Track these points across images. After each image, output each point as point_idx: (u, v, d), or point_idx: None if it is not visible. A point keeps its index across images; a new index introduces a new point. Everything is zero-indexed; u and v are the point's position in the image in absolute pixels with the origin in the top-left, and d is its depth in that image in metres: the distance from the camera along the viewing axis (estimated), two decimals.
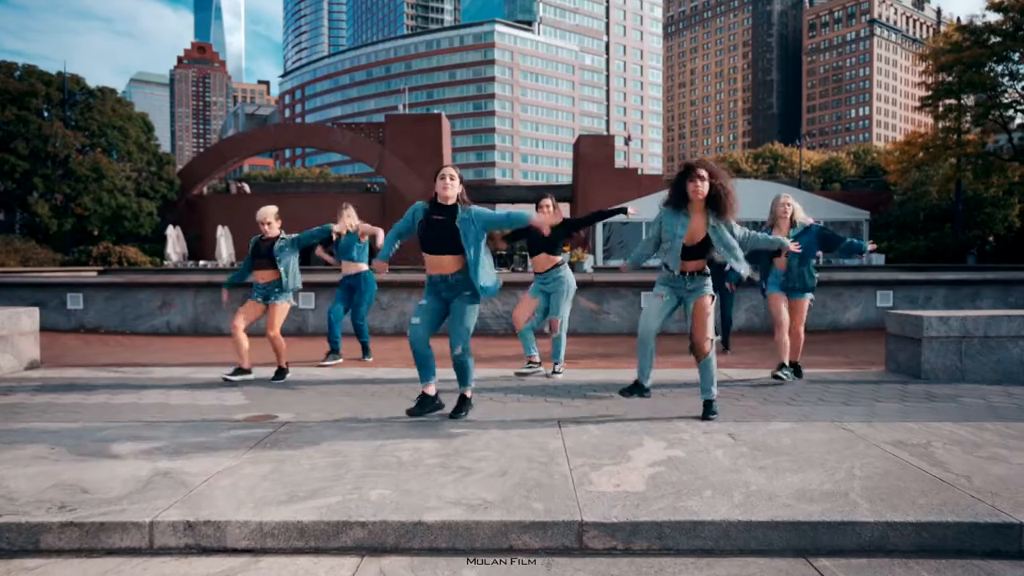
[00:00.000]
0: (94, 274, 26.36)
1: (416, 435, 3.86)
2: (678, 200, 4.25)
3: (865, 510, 2.69)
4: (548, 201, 5.87)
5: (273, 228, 5.85)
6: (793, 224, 5.68)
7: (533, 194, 50.72)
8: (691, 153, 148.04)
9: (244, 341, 5.79)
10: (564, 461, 3.34)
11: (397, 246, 4.54)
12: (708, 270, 4.37)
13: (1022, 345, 5.71)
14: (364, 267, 7.11)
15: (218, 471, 3.19)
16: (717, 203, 4.19)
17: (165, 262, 34.06)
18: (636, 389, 4.45)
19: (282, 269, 5.78)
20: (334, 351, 7.13)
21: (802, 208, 5.83)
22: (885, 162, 41.40)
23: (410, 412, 4.30)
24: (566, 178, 73.03)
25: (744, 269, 4.35)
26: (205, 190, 44.80)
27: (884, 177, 41.84)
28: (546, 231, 4.36)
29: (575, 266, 24.70)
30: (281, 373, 5.78)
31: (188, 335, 9.90)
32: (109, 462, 3.32)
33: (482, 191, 55.47)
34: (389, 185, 41.36)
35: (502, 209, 4.44)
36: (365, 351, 7.34)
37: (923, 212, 37.30)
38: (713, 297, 4.35)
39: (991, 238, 36.65)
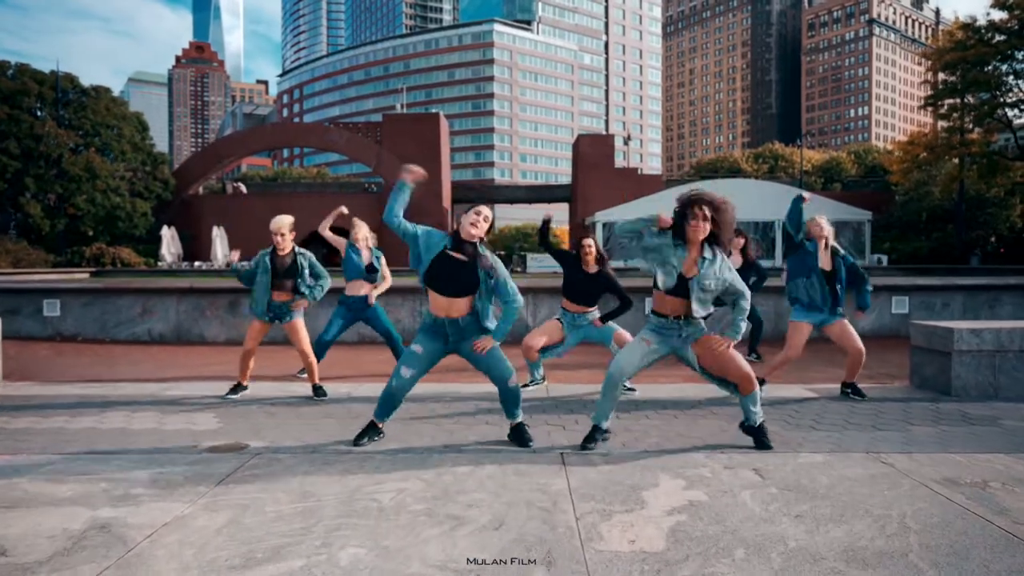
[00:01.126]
0: (86, 276, 25.88)
1: (400, 471, 3.41)
2: (676, 231, 3.72)
3: None
4: (590, 241, 5.43)
5: (287, 240, 5.38)
6: (834, 250, 5.30)
7: (532, 195, 50.29)
8: (690, 153, 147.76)
9: (251, 362, 5.41)
10: (569, 507, 2.89)
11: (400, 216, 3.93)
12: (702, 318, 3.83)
13: None
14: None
15: (166, 522, 2.74)
16: (715, 239, 3.72)
17: (159, 263, 33.62)
18: (595, 435, 3.86)
19: (305, 291, 5.35)
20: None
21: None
22: (888, 162, 41.04)
23: (357, 442, 3.90)
24: (565, 178, 72.57)
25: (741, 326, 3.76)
26: (201, 190, 44.31)
27: (886, 177, 41.45)
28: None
29: None
30: (319, 391, 5.35)
31: (170, 343, 9.45)
32: (41, 510, 2.87)
33: (481, 191, 55.01)
34: (387, 185, 40.89)
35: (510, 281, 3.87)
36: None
37: (926, 212, 36.91)
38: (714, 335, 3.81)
39: (993, 239, 36.28)
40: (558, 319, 5.48)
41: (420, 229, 3.86)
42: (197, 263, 34.39)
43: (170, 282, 10.62)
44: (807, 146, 71.82)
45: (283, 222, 5.33)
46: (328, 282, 5.48)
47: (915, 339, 5.87)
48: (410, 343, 4.01)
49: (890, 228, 37.23)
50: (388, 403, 3.95)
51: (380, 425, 4.01)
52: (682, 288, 3.68)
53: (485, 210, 3.86)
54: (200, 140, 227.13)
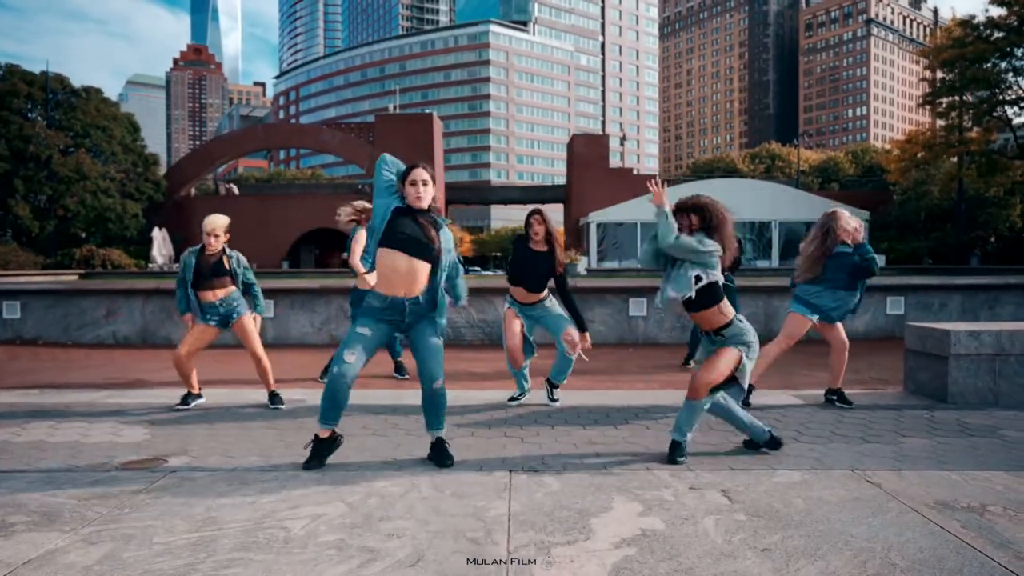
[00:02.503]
0: (75, 277, 25.47)
1: (324, 493, 3.02)
2: None
3: None
4: (539, 218, 4.81)
5: (219, 242, 4.95)
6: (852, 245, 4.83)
7: (526, 195, 49.98)
8: (687, 154, 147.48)
9: (190, 368, 4.95)
10: (504, 538, 2.51)
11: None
12: (734, 325, 3.50)
13: None
14: None
15: (31, 558, 2.36)
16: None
17: (150, 265, 33.23)
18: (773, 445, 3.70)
19: (245, 284, 4.95)
20: (399, 368, 6.64)
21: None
22: (886, 161, 40.70)
23: (308, 466, 3.39)
24: (562, 179, 72.20)
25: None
26: (193, 191, 43.93)
27: (884, 177, 41.12)
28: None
29: (568, 268, 24.01)
30: (275, 399, 4.90)
31: (136, 345, 9.07)
32: None
33: (477, 192, 54.68)
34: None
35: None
36: (399, 367, 6.65)
37: (924, 212, 36.57)
38: (743, 357, 3.45)
39: (992, 239, 35.92)
40: (509, 306, 4.94)
41: (379, 212, 3.43)
42: None
43: (132, 284, 10.24)
44: (805, 146, 71.58)
45: (217, 222, 4.93)
46: (257, 289, 5.08)
47: (909, 342, 5.50)
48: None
49: (888, 228, 36.87)
50: (332, 400, 3.34)
51: (328, 434, 3.42)
52: (696, 302, 3.46)
53: (421, 173, 3.38)
54: (197, 143, 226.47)
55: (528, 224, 4.82)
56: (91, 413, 4.70)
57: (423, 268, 3.37)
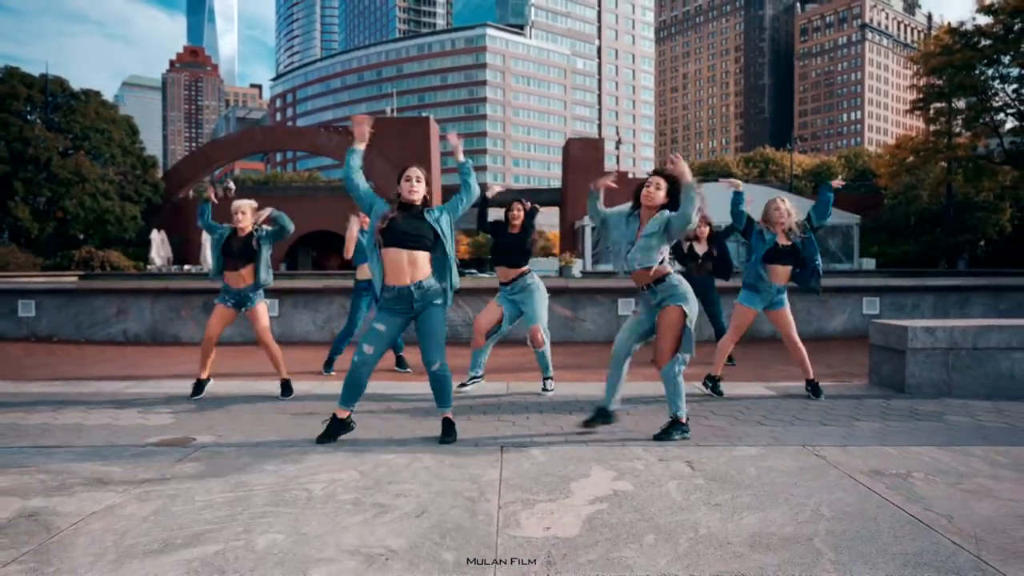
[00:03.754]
0: (74, 279, 25.82)
1: (338, 463, 3.45)
2: (633, 204, 4.04)
3: (829, 562, 2.30)
4: (519, 206, 5.41)
5: (246, 219, 5.34)
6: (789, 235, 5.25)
7: (520, 197, 50.29)
8: (683, 157, 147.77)
9: (212, 351, 5.39)
10: (495, 496, 2.94)
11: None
12: (670, 278, 3.96)
13: (1013, 357, 5.35)
14: None
15: (96, 510, 2.78)
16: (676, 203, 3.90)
17: (149, 266, 33.53)
18: (596, 417, 4.08)
19: (262, 264, 5.27)
20: (400, 362, 7.04)
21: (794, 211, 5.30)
22: (875, 165, 41.27)
23: (321, 440, 3.86)
24: (557, 182, 72.70)
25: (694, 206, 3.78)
26: (191, 193, 44.23)
27: (874, 181, 41.69)
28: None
29: (563, 270, 24.30)
30: (287, 387, 5.30)
31: (146, 343, 9.46)
32: None
33: None
34: (376, 189, 40.81)
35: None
36: (400, 361, 7.07)
37: (914, 216, 37.12)
38: (685, 312, 3.85)
39: (982, 242, 36.48)
40: (498, 303, 5.44)
41: (377, 200, 3.92)
42: (187, 267, 34.33)
43: (142, 283, 10.63)
44: (799, 150, 72.23)
45: (243, 202, 5.36)
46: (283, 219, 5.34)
47: (874, 338, 5.93)
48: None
49: (879, 232, 37.43)
50: (353, 386, 3.85)
51: (347, 415, 3.90)
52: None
53: (415, 171, 3.91)
54: (194, 144, 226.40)
55: (509, 209, 5.41)
56: (117, 401, 5.11)
57: (424, 256, 3.83)
